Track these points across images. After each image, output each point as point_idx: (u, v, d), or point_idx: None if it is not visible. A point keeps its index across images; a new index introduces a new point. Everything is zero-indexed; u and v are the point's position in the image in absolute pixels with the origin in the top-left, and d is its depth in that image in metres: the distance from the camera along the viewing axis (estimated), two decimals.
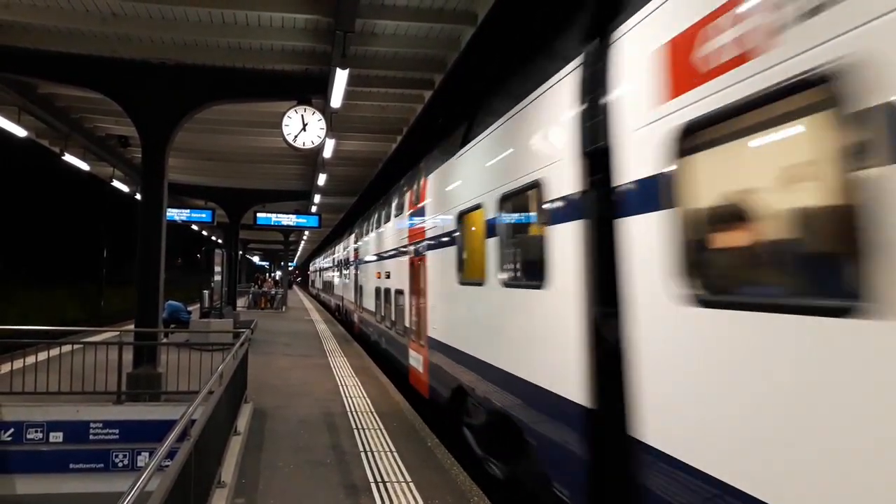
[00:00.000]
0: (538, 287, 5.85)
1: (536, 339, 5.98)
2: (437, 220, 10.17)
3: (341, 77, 10.01)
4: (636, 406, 4.22)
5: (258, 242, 55.09)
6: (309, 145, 11.45)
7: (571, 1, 5.94)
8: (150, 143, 11.46)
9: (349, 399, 11.79)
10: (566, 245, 5.28)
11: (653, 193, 4.00)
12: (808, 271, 3.20)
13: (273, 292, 40.66)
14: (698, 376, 3.61)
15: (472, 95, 10.78)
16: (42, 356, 11.25)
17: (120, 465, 9.68)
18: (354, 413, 10.66)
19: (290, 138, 11.25)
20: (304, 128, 11.28)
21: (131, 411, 10.13)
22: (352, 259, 26.72)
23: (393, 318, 14.76)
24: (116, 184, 21.96)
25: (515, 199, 6.71)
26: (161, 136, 11.44)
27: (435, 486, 7.14)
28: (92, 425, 9.79)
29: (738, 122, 3.39)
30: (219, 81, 11.58)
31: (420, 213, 11.54)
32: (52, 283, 60.65)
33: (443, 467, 7.88)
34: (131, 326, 12.83)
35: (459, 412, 8.96)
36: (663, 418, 3.96)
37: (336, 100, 10.90)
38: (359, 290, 23.58)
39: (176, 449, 4.27)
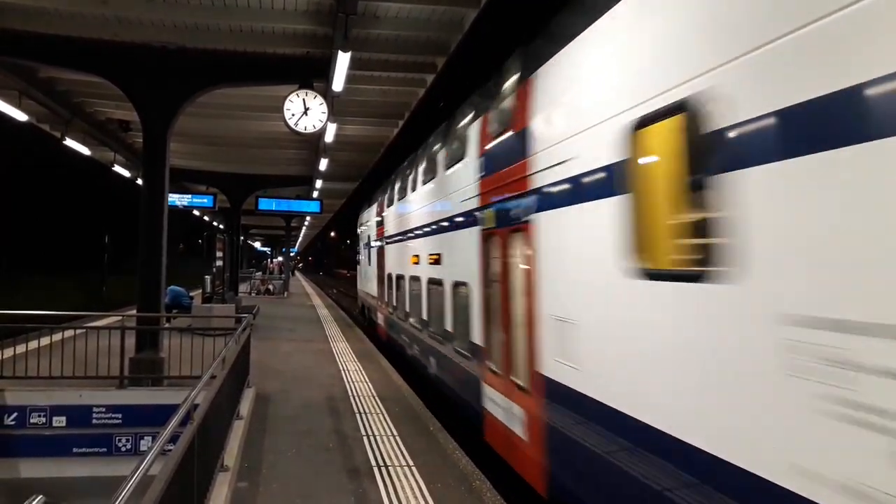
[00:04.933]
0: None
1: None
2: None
3: (343, 60, 9.92)
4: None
5: (260, 228, 55.14)
6: (311, 129, 11.39)
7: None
8: (152, 127, 11.40)
9: (351, 383, 11.81)
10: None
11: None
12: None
13: (270, 287, 39.96)
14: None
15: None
16: (45, 341, 11.28)
17: (123, 449, 9.70)
18: (357, 397, 10.68)
19: (291, 122, 11.19)
20: (305, 112, 11.22)
21: (134, 396, 10.15)
22: None
23: None
24: (118, 169, 21.90)
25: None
26: (162, 121, 11.38)
27: (437, 470, 7.16)
28: (95, 410, 9.80)
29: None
30: (220, 65, 11.49)
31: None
32: (57, 272, 60.62)
33: (445, 451, 7.90)
34: (133, 312, 12.83)
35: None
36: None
37: (338, 83, 10.81)
38: None
39: (179, 433, 4.27)
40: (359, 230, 26.68)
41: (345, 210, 45.03)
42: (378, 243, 19.49)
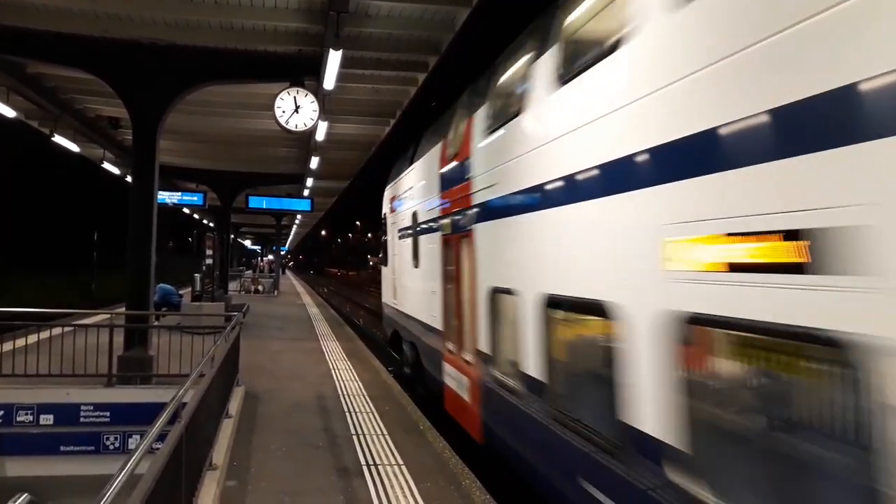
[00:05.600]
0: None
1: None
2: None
3: (334, 58, 9.90)
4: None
5: (250, 226, 54.97)
6: (301, 127, 11.37)
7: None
8: (141, 124, 11.32)
9: (341, 382, 11.79)
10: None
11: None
12: None
13: (260, 286, 39.81)
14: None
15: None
16: (32, 338, 11.19)
17: (111, 447, 9.64)
18: (346, 396, 10.66)
19: (282, 120, 11.16)
20: (296, 110, 11.19)
21: (122, 394, 10.09)
22: None
23: None
24: (107, 166, 21.77)
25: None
26: (152, 118, 11.30)
27: (427, 469, 7.16)
28: (83, 408, 9.74)
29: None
30: (211, 62, 11.43)
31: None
32: (48, 270, 60.11)
33: (435, 450, 7.90)
34: (122, 309, 12.76)
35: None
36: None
37: (329, 82, 10.79)
38: None
39: (167, 431, 4.24)
40: (387, 210, 15.75)
41: (336, 208, 44.96)
42: (446, 224, 9.50)
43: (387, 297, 16.21)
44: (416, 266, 11.95)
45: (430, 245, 10.71)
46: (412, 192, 12.49)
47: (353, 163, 23.30)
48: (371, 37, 11.16)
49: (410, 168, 12.80)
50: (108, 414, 9.80)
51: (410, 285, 12.78)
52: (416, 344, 12.21)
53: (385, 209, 16.09)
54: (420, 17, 10.37)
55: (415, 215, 12.01)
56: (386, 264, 16.18)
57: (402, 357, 14.22)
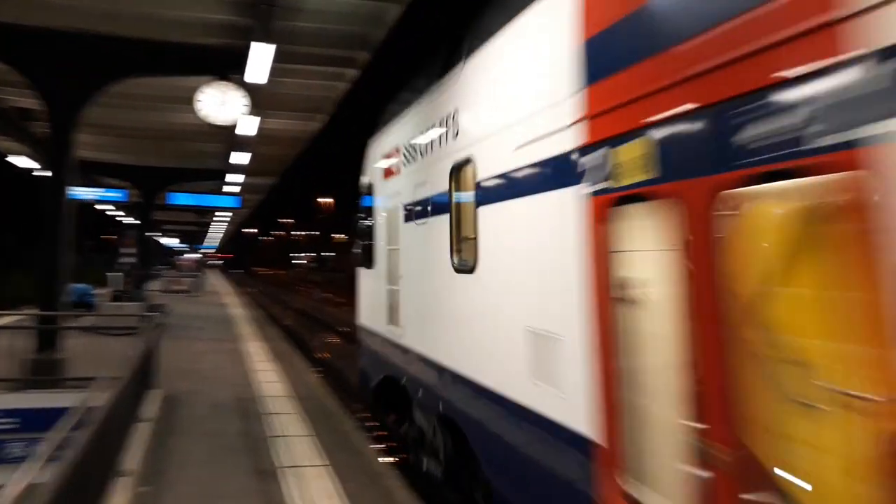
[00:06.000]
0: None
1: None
2: None
3: (263, 52, 9.72)
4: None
5: (175, 223, 53.36)
6: (228, 122, 11.10)
7: None
8: (58, 117, 10.83)
9: (264, 384, 11.57)
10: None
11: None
12: None
13: (183, 286, 38.59)
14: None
15: None
16: None
17: (16, 455, 9.13)
18: (270, 397, 10.47)
19: (207, 114, 10.87)
20: (222, 104, 10.91)
21: (31, 399, 9.58)
22: None
23: None
24: (15, 160, 20.66)
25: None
26: (70, 111, 10.83)
27: (350, 469, 7.10)
28: None
29: None
30: (135, 54, 11.04)
31: None
32: None
33: (358, 450, 7.85)
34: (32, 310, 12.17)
35: None
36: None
37: (258, 75, 10.60)
38: None
39: (73, 438, 4.06)
40: (377, 178, 9.43)
41: (265, 205, 44.23)
42: (623, 168, 3.50)
43: (372, 321, 9.67)
44: (471, 270, 5.88)
45: (539, 225, 4.63)
46: (458, 125, 6.33)
47: (282, 159, 22.96)
48: (302, 31, 11.00)
49: (453, 78, 6.60)
50: (14, 420, 9.26)
51: (453, 310, 6.45)
52: (467, 432, 6.05)
53: (371, 175, 9.88)
54: (351, 12, 10.31)
55: (466, 167, 6.11)
56: (370, 265, 9.77)
57: (403, 428, 8.96)
